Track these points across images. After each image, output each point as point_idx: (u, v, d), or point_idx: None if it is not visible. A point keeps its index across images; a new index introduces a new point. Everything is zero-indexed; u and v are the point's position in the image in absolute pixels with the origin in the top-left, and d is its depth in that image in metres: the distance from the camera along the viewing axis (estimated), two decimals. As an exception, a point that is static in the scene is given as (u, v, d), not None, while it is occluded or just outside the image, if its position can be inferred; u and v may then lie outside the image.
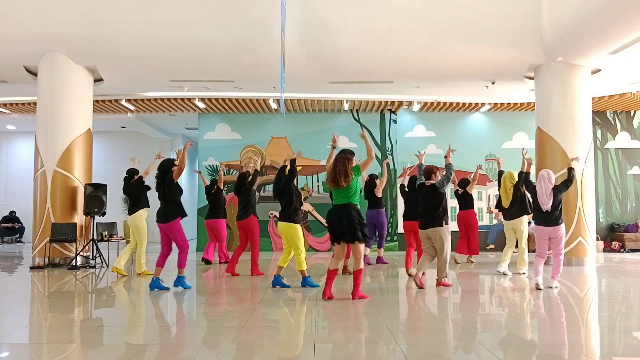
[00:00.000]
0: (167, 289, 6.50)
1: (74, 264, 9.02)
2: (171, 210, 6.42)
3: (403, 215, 8.16)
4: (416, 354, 3.78)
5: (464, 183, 9.71)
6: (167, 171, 6.49)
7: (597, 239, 12.16)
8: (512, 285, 7.10)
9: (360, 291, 5.82)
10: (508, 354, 3.76)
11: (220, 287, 7.22)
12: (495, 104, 12.71)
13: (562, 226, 6.49)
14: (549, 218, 6.43)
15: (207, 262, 9.54)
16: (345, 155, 5.77)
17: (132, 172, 8.30)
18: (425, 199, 6.61)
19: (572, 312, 5.43)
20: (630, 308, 5.72)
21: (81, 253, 9.27)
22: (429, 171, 6.71)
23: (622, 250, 12.57)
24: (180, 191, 6.54)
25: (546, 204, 6.38)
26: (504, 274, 7.81)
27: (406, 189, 8.05)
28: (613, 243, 12.77)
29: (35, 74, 9.65)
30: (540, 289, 6.35)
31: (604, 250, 12.60)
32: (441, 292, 6.38)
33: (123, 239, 10.03)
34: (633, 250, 12.48)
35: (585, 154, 9.37)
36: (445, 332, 4.50)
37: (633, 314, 5.33)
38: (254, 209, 8.12)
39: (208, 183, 9.95)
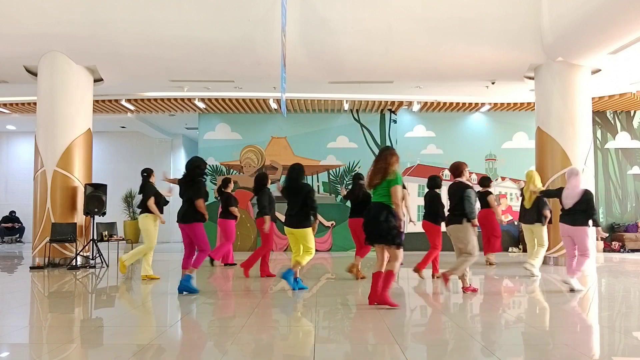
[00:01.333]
0: (197, 291, 6.37)
1: (74, 264, 9.02)
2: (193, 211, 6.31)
3: (423, 216, 7.97)
4: (416, 354, 3.78)
5: (483, 181, 9.62)
6: (194, 169, 6.34)
7: (597, 239, 12.17)
8: (515, 285, 7.09)
9: (387, 296, 5.38)
10: (508, 354, 3.75)
11: (223, 288, 7.21)
12: (495, 104, 12.72)
13: (583, 228, 6.39)
14: (569, 216, 6.49)
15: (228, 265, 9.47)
16: (390, 151, 5.50)
17: (149, 172, 7.89)
18: (450, 196, 6.42)
19: (572, 312, 5.42)
20: (630, 308, 5.72)
21: (81, 253, 9.27)
22: (458, 168, 6.47)
23: (622, 250, 12.58)
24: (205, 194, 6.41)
25: (570, 202, 6.47)
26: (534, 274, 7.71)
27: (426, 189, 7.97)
28: (613, 243, 12.78)
29: (35, 74, 9.65)
30: (574, 290, 6.33)
31: (604, 250, 12.61)
32: (441, 293, 6.37)
33: (123, 239, 10.03)
34: (633, 250, 12.49)
35: (585, 154, 9.37)
36: (445, 333, 4.49)
37: (633, 314, 5.33)
38: (264, 210, 7.76)
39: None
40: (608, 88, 11.10)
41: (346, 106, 12.61)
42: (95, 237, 9.27)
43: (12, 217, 16.08)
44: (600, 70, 9.53)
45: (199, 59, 9.54)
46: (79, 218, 9.49)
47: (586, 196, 6.43)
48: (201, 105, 12.37)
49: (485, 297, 6.42)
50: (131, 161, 15.92)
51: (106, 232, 9.67)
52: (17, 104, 12.54)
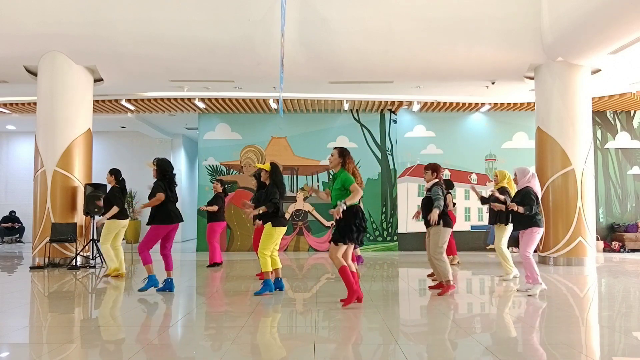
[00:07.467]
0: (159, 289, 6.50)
1: (74, 264, 9.03)
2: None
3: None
4: (416, 354, 3.78)
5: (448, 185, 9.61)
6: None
7: (597, 239, 12.17)
8: (511, 286, 7.09)
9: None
10: (508, 354, 3.75)
11: (223, 288, 7.21)
12: (495, 104, 12.71)
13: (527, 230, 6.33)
14: None
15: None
16: None
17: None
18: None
19: (572, 312, 5.43)
20: (630, 308, 5.72)
21: (81, 253, 9.28)
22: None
23: (622, 250, 12.58)
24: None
25: None
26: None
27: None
28: (613, 243, 12.78)
29: (35, 74, 9.65)
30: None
31: (604, 250, 12.61)
32: (439, 293, 6.37)
33: (123, 238, 10.00)
34: (633, 250, 12.49)
35: (585, 154, 9.38)
36: (445, 332, 4.50)
37: (633, 314, 5.33)
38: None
39: None
40: (608, 88, 11.10)
41: (346, 106, 12.61)
42: (95, 237, 9.27)
43: (12, 217, 16.08)
44: (600, 70, 9.53)
45: (199, 59, 9.53)
46: (79, 218, 9.49)
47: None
48: (201, 105, 12.37)
49: (484, 297, 6.42)
50: (131, 161, 15.89)
51: (106, 232, 9.67)
52: (17, 104, 12.53)
